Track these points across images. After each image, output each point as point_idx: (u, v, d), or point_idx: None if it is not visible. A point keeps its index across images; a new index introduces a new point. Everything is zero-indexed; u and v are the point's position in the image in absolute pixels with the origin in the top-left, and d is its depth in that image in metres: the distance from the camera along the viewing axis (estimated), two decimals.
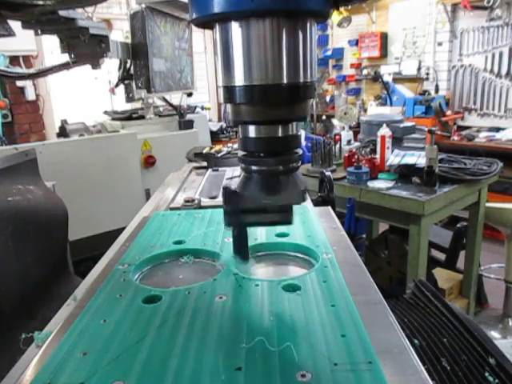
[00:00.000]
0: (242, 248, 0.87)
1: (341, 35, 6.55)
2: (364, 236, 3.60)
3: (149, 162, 3.12)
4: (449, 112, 5.34)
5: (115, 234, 1.30)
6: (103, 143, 2.89)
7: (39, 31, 1.87)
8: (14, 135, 4.86)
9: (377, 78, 5.78)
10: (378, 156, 2.67)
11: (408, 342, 0.65)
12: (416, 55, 5.73)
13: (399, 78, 5.83)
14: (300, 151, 0.73)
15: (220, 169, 1.95)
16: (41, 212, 1.53)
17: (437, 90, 5.48)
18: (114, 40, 2.55)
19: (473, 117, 5.41)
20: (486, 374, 0.87)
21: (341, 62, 6.72)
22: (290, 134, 0.70)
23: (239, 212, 0.78)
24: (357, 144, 3.24)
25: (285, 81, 0.63)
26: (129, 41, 2.87)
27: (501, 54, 4.99)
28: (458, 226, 3.18)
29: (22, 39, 3.31)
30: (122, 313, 0.74)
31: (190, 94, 3.67)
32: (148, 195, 3.02)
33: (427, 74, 5.59)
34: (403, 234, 2.64)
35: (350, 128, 3.52)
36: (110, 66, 3.42)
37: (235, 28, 0.62)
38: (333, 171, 2.68)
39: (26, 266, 1.39)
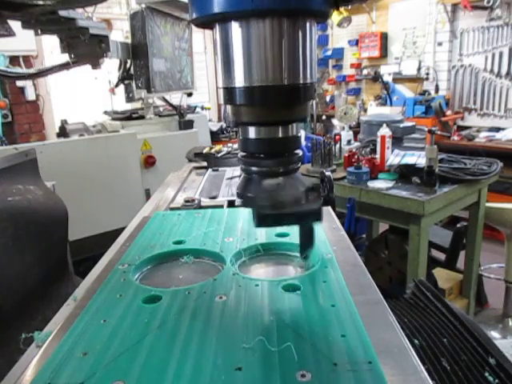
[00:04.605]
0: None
1: (341, 35, 6.55)
2: (364, 236, 3.61)
3: (149, 162, 3.12)
4: (449, 112, 5.34)
5: (115, 233, 1.30)
6: (103, 143, 2.89)
7: (39, 31, 1.86)
8: (14, 135, 4.87)
9: (377, 78, 5.78)
10: (378, 156, 2.67)
11: (408, 342, 0.65)
12: (416, 55, 5.73)
13: (399, 78, 5.83)
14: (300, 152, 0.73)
15: (220, 169, 1.96)
16: (41, 212, 1.53)
17: (437, 90, 5.47)
18: (114, 40, 2.54)
19: (473, 117, 5.41)
20: (486, 374, 0.87)
21: (341, 62, 6.72)
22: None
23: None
24: (357, 144, 3.24)
25: (285, 82, 0.63)
26: (129, 41, 2.87)
27: (501, 54, 4.99)
28: (458, 226, 3.18)
29: (22, 39, 3.30)
30: (122, 313, 0.74)
31: (190, 94, 3.67)
32: (148, 195, 3.02)
33: (427, 74, 5.59)
34: (403, 234, 2.64)
35: (350, 128, 3.52)
36: (110, 66, 3.42)
37: (235, 28, 0.62)
38: (333, 171, 2.68)
39: (26, 266, 1.39)
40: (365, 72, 6.33)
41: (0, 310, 1.22)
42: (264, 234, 1.04)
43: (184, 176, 1.91)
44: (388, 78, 5.80)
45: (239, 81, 0.64)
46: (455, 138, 5.00)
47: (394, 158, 2.64)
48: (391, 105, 5.55)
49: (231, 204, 1.40)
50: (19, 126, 4.96)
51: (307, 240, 0.77)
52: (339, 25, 5.13)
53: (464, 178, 2.45)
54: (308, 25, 0.64)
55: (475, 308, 3.08)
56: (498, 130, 5.00)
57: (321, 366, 0.58)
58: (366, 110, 5.91)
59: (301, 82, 0.65)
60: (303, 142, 3.88)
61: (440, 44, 5.45)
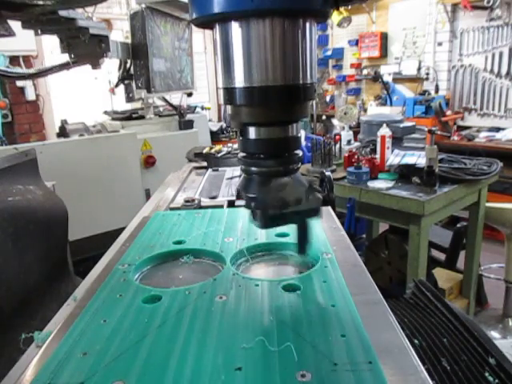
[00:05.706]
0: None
1: (341, 35, 6.55)
2: (364, 236, 3.61)
3: (149, 162, 3.13)
4: (449, 112, 5.34)
5: (115, 233, 1.30)
6: (103, 143, 2.89)
7: (39, 31, 1.86)
8: (14, 135, 4.87)
9: (377, 78, 5.78)
10: (378, 156, 2.67)
11: (408, 342, 0.65)
12: (416, 55, 5.73)
13: (399, 78, 5.83)
14: (300, 152, 0.74)
15: (220, 169, 1.96)
16: (41, 212, 1.53)
17: (437, 90, 5.47)
18: (114, 40, 2.55)
19: (473, 117, 5.41)
20: (486, 374, 0.87)
21: (341, 61, 6.72)
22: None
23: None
24: (357, 144, 3.25)
25: (284, 82, 0.63)
26: (129, 41, 2.87)
27: (501, 54, 4.99)
28: (458, 225, 3.18)
29: (22, 39, 3.30)
30: (122, 313, 0.74)
31: (190, 94, 3.67)
32: (148, 195, 3.02)
33: (427, 73, 5.59)
34: (403, 234, 2.64)
35: (350, 128, 3.52)
36: (110, 66, 3.42)
37: (235, 28, 0.62)
38: (333, 171, 2.68)
39: (26, 266, 1.39)
40: (365, 72, 6.33)
41: (0, 310, 1.22)
42: (264, 234, 1.04)
43: (184, 176, 1.91)
44: (388, 78, 5.80)
45: (239, 81, 0.64)
46: (455, 137, 5.00)
47: (394, 157, 2.65)
48: (391, 105, 5.55)
49: (231, 204, 1.40)
50: (19, 126, 4.96)
51: (305, 235, 0.80)
52: (339, 25, 5.13)
53: (464, 178, 2.45)
54: (308, 25, 0.64)
55: (475, 308, 3.07)
56: (497, 129, 5.00)
57: (321, 366, 0.58)
58: (365, 110, 5.91)
59: (301, 82, 0.65)
60: (303, 142, 3.88)
61: (440, 44, 5.45)
